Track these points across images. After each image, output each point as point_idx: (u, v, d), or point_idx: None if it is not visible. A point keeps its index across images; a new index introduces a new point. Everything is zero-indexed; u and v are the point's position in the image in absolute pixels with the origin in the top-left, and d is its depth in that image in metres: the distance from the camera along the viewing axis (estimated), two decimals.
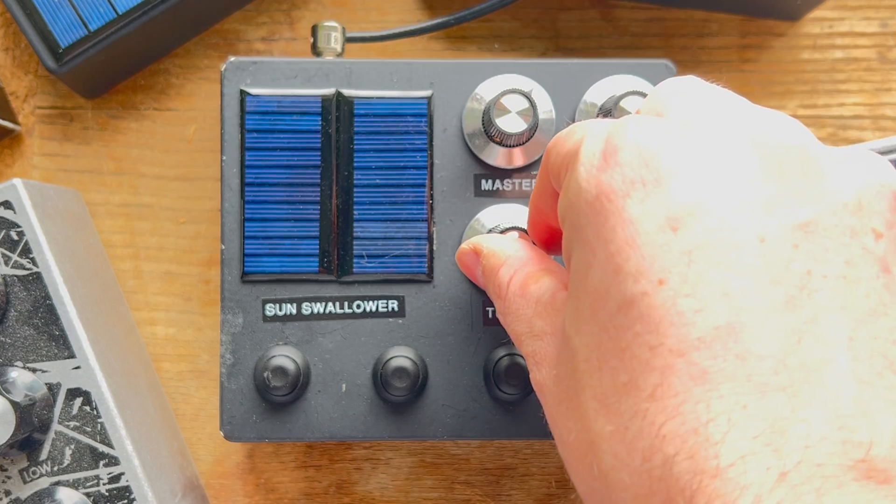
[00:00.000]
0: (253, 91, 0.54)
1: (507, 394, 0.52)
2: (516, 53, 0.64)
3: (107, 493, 0.53)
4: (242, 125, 0.53)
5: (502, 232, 0.51)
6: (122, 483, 0.53)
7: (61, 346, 0.53)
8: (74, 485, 0.53)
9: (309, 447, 0.62)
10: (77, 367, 0.53)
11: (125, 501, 0.53)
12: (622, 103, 0.52)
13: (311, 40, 0.57)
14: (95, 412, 0.53)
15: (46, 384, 0.53)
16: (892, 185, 0.34)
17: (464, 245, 0.48)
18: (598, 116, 0.54)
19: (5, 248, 0.53)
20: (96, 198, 0.63)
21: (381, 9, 0.64)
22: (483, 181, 0.54)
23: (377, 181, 0.54)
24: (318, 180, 0.53)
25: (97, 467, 0.53)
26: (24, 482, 0.53)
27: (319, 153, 0.53)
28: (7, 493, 0.53)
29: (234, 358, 0.53)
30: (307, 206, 0.53)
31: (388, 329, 0.54)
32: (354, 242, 0.53)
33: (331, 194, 0.53)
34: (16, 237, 0.53)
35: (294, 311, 0.54)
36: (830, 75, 0.63)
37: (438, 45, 0.64)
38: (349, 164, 0.53)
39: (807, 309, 0.31)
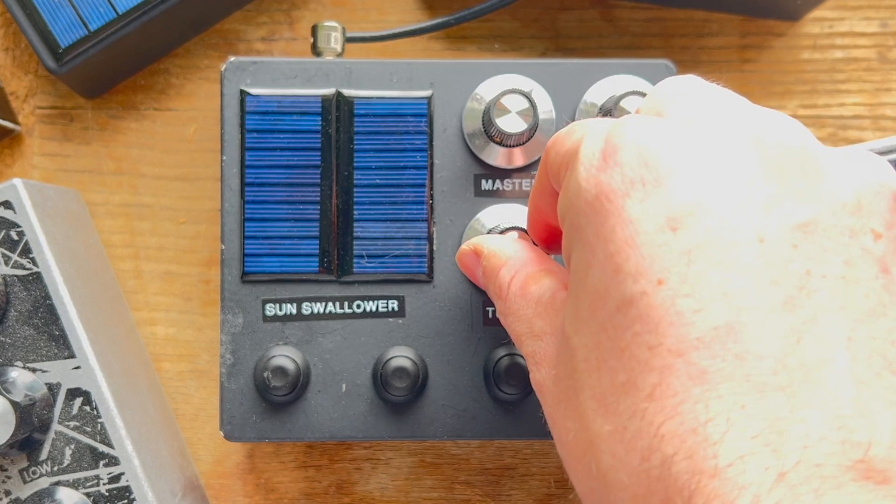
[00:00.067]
0: (253, 91, 0.54)
1: (507, 394, 0.52)
2: (516, 53, 0.64)
3: (107, 493, 0.53)
4: (242, 125, 0.53)
5: (502, 232, 0.51)
6: (122, 483, 0.53)
7: (61, 346, 0.53)
8: (74, 485, 0.53)
9: (309, 447, 0.62)
10: (77, 367, 0.53)
11: (125, 501, 0.53)
12: (622, 103, 0.51)
13: (311, 40, 0.57)
14: (95, 412, 0.53)
15: (46, 384, 0.53)
16: (892, 185, 0.34)
17: (464, 246, 0.48)
18: (598, 116, 0.54)
19: (5, 248, 0.53)
20: (96, 198, 0.63)
21: (381, 9, 0.64)
22: (483, 181, 0.54)
23: (377, 181, 0.54)
24: (318, 180, 0.53)
25: (97, 467, 0.53)
26: (24, 482, 0.53)
27: (319, 153, 0.53)
28: (7, 493, 0.53)
29: (234, 358, 0.53)
30: (307, 206, 0.53)
31: (388, 329, 0.54)
32: (354, 242, 0.53)
33: (331, 194, 0.53)
34: (16, 237, 0.53)
35: (294, 311, 0.54)
36: (830, 75, 0.63)
37: (438, 45, 0.64)
38: (349, 164, 0.53)
39: (806, 309, 0.31)
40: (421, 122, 0.54)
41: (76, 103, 0.63)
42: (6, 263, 0.53)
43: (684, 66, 0.62)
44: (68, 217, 0.58)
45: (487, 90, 0.54)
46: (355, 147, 0.53)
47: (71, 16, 0.58)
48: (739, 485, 0.28)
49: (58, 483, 0.53)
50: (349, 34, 0.58)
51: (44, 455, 0.53)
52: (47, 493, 0.52)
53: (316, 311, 0.54)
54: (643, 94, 0.51)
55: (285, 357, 0.52)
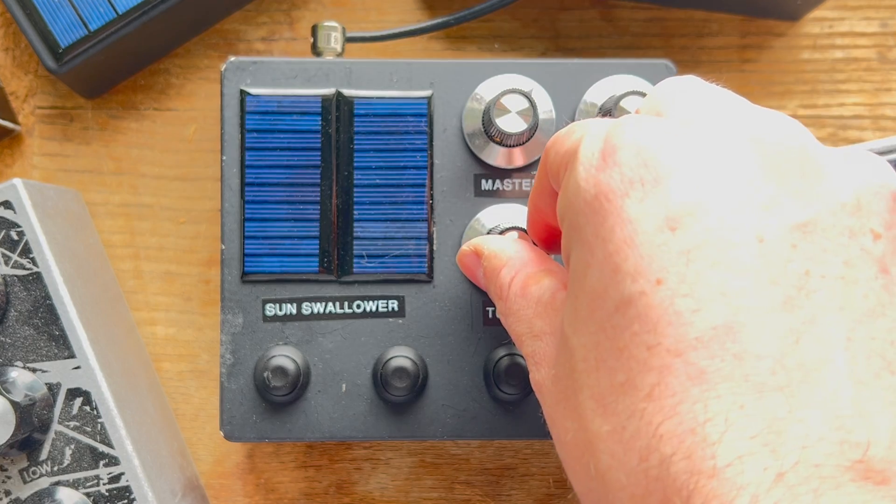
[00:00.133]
0: (253, 91, 0.54)
1: (507, 394, 0.52)
2: (516, 53, 0.64)
3: (107, 493, 0.53)
4: (242, 125, 0.53)
5: (502, 232, 0.51)
6: (122, 483, 0.53)
7: (61, 346, 0.53)
8: (74, 485, 0.53)
9: (309, 447, 0.62)
10: (77, 367, 0.53)
11: (125, 501, 0.53)
12: (622, 103, 0.52)
13: (311, 40, 0.57)
14: (95, 412, 0.53)
15: (46, 384, 0.53)
16: (891, 185, 0.34)
17: (464, 247, 0.48)
18: (598, 116, 0.54)
19: (5, 248, 0.53)
20: (96, 198, 0.63)
21: (381, 9, 0.64)
22: (483, 181, 0.54)
23: (377, 181, 0.54)
24: (318, 180, 0.53)
25: (97, 467, 0.53)
26: (24, 482, 0.53)
27: (319, 153, 0.53)
28: (7, 493, 0.53)
29: (234, 358, 0.53)
30: (307, 206, 0.53)
31: (388, 329, 0.54)
32: (354, 242, 0.53)
33: (331, 194, 0.53)
34: (16, 237, 0.53)
35: (294, 311, 0.54)
36: (830, 75, 0.63)
37: (438, 45, 0.64)
38: (349, 164, 0.53)
39: (805, 309, 0.31)
40: (421, 122, 0.54)
41: (76, 103, 0.63)
42: (6, 263, 0.53)
43: (684, 66, 0.62)
44: (68, 217, 0.58)
45: (487, 90, 0.54)
46: (355, 147, 0.53)
47: (71, 16, 0.58)
48: (738, 485, 0.28)
49: (58, 483, 0.53)
50: (349, 34, 0.58)
51: (44, 455, 0.53)
52: (47, 493, 0.52)
53: (316, 311, 0.54)
54: (643, 94, 0.51)
55: (285, 357, 0.52)
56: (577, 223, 0.35)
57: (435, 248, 0.54)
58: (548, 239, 0.46)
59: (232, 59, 0.54)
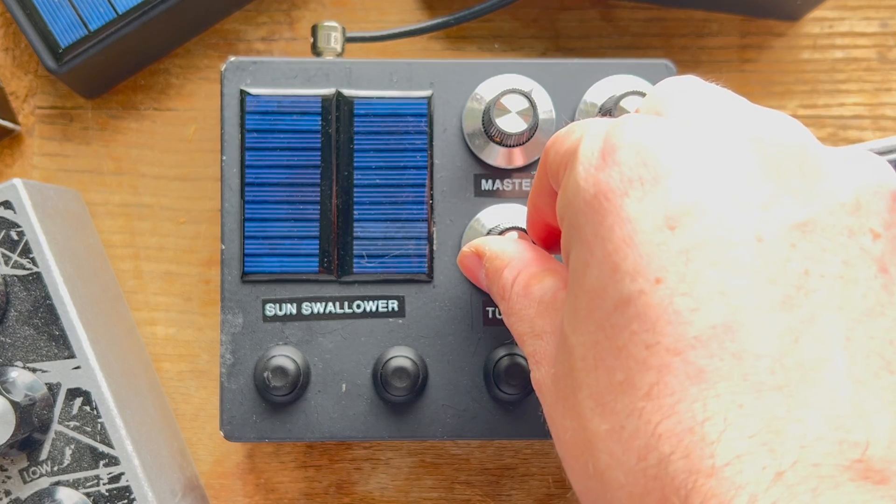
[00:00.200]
0: (253, 91, 0.54)
1: (507, 394, 0.52)
2: (516, 53, 0.64)
3: (107, 493, 0.53)
4: (242, 125, 0.53)
5: (501, 232, 0.51)
6: (122, 483, 0.53)
7: (61, 346, 0.53)
8: (74, 485, 0.53)
9: (309, 447, 0.62)
10: (77, 367, 0.53)
11: (125, 501, 0.53)
12: (622, 103, 0.52)
13: (311, 40, 0.57)
14: (95, 412, 0.53)
15: (46, 384, 0.53)
16: (891, 185, 0.34)
17: (465, 248, 0.48)
18: (598, 116, 0.54)
19: (5, 248, 0.53)
20: (96, 198, 0.63)
21: (381, 9, 0.64)
22: (483, 181, 0.54)
23: (377, 181, 0.54)
24: (318, 180, 0.53)
25: (97, 467, 0.53)
26: (24, 482, 0.53)
27: (319, 153, 0.53)
28: (7, 493, 0.53)
29: (234, 358, 0.53)
30: (307, 206, 0.53)
31: (388, 329, 0.54)
32: (354, 242, 0.53)
33: (331, 194, 0.53)
34: (16, 237, 0.53)
35: (294, 311, 0.54)
36: (830, 75, 0.63)
37: (438, 45, 0.64)
38: (349, 164, 0.53)
39: (804, 308, 0.31)
40: (421, 122, 0.54)
41: (76, 103, 0.63)
42: (6, 263, 0.53)
43: (684, 66, 0.62)
44: (68, 217, 0.58)
45: (487, 90, 0.54)
46: (355, 147, 0.53)
47: (71, 16, 0.58)
48: (736, 484, 0.28)
49: (58, 483, 0.53)
50: (349, 34, 0.58)
51: (44, 455, 0.53)
52: (47, 493, 0.52)
53: (316, 311, 0.54)
54: (643, 94, 0.51)
55: (285, 357, 0.52)
56: (576, 222, 0.35)
57: (435, 248, 0.54)
58: (547, 238, 0.46)
59: (232, 59, 0.54)
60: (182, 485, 0.58)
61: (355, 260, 0.53)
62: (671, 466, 0.29)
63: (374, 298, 0.54)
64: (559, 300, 0.40)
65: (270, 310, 0.53)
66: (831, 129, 0.63)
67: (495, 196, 0.54)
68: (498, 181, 0.54)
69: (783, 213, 0.32)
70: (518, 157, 0.54)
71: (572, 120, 0.54)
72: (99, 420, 0.53)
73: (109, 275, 0.61)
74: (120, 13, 0.58)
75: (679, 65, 0.59)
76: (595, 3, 0.64)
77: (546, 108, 0.54)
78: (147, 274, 0.62)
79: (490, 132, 0.53)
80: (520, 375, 0.52)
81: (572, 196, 0.36)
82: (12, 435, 0.50)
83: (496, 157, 0.54)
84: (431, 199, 0.54)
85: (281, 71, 0.54)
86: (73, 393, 0.53)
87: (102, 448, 0.53)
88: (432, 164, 0.54)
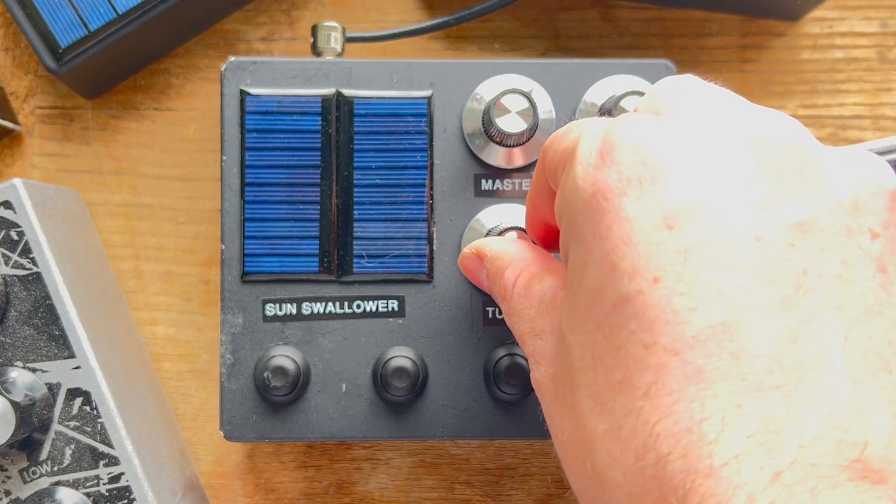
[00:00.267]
0: (253, 91, 0.54)
1: (507, 394, 0.52)
2: (516, 53, 0.64)
3: (107, 493, 0.53)
4: (242, 125, 0.53)
5: (501, 233, 0.51)
6: (122, 483, 0.53)
7: (61, 346, 0.53)
8: (74, 485, 0.53)
9: (309, 447, 0.62)
10: (77, 367, 0.53)
11: (125, 501, 0.53)
12: (622, 103, 0.52)
13: (311, 40, 0.57)
14: (95, 412, 0.53)
15: (46, 384, 0.53)
16: (889, 185, 0.34)
17: (466, 250, 0.48)
18: (598, 116, 0.54)
19: (5, 248, 0.53)
20: (96, 198, 0.63)
21: (381, 9, 0.64)
22: (483, 181, 0.54)
23: (377, 181, 0.54)
24: (318, 180, 0.53)
25: (97, 467, 0.53)
26: (24, 482, 0.53)
27: (319, 153, 0.53)
28: (7, 493, 0.53)
29: (234, 358, 0.53)
30: (307, 206, 0.53)
31: (388, 329, 0.54)
32: (354, 242, 0.53)
33: (331, 194, 0.53)
34: (16, 237, 0.53)
35: (294, 311, 0.54)
36: (830, 75, 0.63)
37: (438, 45, 0.64)
38: (349, 164, 0.53)
39: (802, 308, 0.31)
40: (421, 122, 0.54)
41: (76, 103, 0.63)
42: (6, 263, 0.53)
43: (684, 66, 0.62)
44: (68, 217, 0.58)
45: (487, 90, 0.54)
46: (355, 147, 0.53)
47: (71, 16, 0.58)
48: (734, 484, 0.28)
49: (58, 483, 0.53)
50: (349, 34, 0.58)
51: (44, 455, 0.53)
52: (47, 493, 0.52)
53: (316, 311, 0.54)
54: (643, 94, 0.51)
55: (285, 357, 0.52)
56: (574, 222, 0.35)
57: (435, 248, 0.54)
58: (546, 237, 0.46)
59: (232, 59, 0.54)
60: (182, 485, 0.58)
61: (355, 260, 0.53)
62: (669, 466, 0.29)
63: (374, 298, 0.54)
64: (559, 300, 0.40)
65: (270, 310, 0.54)
66: (831, 129, 0.63)
67: (495, 196, 0.54)
68: (498, 181, 0.54)
69: (782, 213, 0.32)
70: (518, 157, 0.54)
71: (572, 120, 0.54)
72: (99, 420, 0.53)
73: (109, 275, 0.61)
74: (120, 13, 0.58)
75: (679, 65, 0.59)
76: (595, 3, 0.64)
77: (546, 108, 0.54)
78: (147, 274, 0.62)
79: (490, 132, 0.53)
80: (520, 375, 0.52)
81: (570, 196, 0.35)
82: (12, 435, 0.50)
83: (496, 157, 0.54)
84: (431, 199, 0.54)
85: (281, 71, 0.54)
86: (73, 393, 0.53)
87: (102, 448, 0.53)
88: (432, 164, 0.54)
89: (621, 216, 0.33)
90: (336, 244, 0.53)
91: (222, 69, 0.54)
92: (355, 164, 0.53)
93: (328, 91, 0.54)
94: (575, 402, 0.34)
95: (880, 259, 0.32)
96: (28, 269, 0.53)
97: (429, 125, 0.54)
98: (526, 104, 0.51)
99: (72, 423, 0.53)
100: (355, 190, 0.53)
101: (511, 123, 0.51)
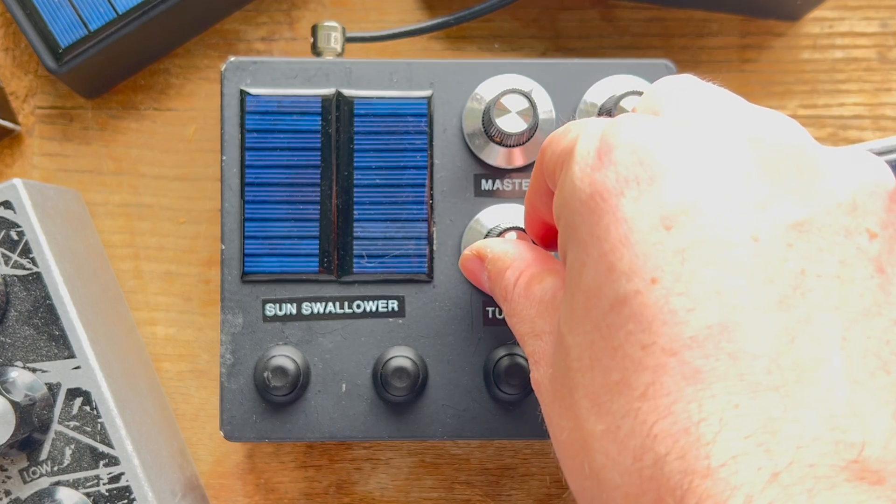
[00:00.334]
0: (253, 91, 0.54)
1: (507, 394, 0.52)
2: (516, 53, 0.64)
3: (107, 493, 0.53)
4: (242, 125, 0.53)
5: (501, 233, 0.51)
6: (122, 483, 0.53)
7: (61, 346, 0.53)
8: (74, 485, 0.53)
9: (309, 447, 0.62)
10: (77, 367, 0.53)
11: (125, 501, 0.53)
12: (622, 103, 0.52)
13: (311, 40, 0.57)
14: (95, 412, 0.53)
15: (46, 384, 0.53)
16: (887, 185, 0.34)
17: (466, 251, 0.48)
18: (598, 116, 0.54)
19: (5, 248, 0.53)
20: (96, 198, 0.63)
21: (381, 9, 0.64)
22: (483, 181, 0.54)
23: (377, 181, 0.54)
24: (318, 180, 0.53)
25: (97, 467, 0.53)
26: (24, 482, 0.53)
27: (319, 153, 0.53)
28: (7, 493, 0.53)
29: (234, 358, 0.53)
30: (307, 206, 0.53)
31: (388, 329, 0.54)
32: (354, 242, 0.53)
33: (331, 194, 0.53)
34: (16, 237, 0.53)
35: (294, 311, 0.54)
36: (830, 75, 0.63)
37: (438, 45, 0.64)
38: (349, 164, 0.53)
39: (800, 308, 0.31)
40: (421, 122, 0.54)
41: (76, 103, 0.63)
42: (6, 263, 0.53)
43: (684, 66, 0.62)
44: (68, 217, 0.58)
45: (487, 90, 0.54)
46: (355, 147, 0.53)
47: (71, 16, 0.58)
48: (732, 485, 0.28)
49: (58, 483, 0.53)
50: (349, 34, 0.58)
51: (44, 455, 0.53)
52: (47, 493, 0.52)
53: (316, 311, 0.54)
54: (643, 94, 0.51)
55: (285, 357, 0.52)
56: (572, 222, 0.35)
57: (435, 248, 0.54)
58: (545, 237, 0.46)
59: (232, 59, 0.54)
60: (182, 485, 0.58)
61: (355, 260, 0.53)
62: (667, 467, 0.29)
63: (374, 298, 0.54)
64: (558, 300, 0.40)
65: (270, 310, 0.54)
66: (831, 129, 0.63)
67: (495, 196, 0.54)
68: (498, 181, 0.54)
69: (780, 213, 0.32)
70: (518, 157, 0.54)
71: (572, 120, 0.54)
72: (99, 420, 0.53)
73: (109, 275, 0.62)
74: (120, 13, 0.58)
75: (679, 65, 0.59)
76: (595, 3, 0.64)
77: (546, 108, 0.54)
78: (147, 274, 0.63)
79: (490, 132, 0.53)
80: (520, 375, 0.52)
81: (568, 196, 0.35)
82: (12, 435, 0.50)
83: (496, 157, 0.54)
84: (431, 199, 0.54)
85: (281, 71, 0.54)
86: (73, 393, 0.53)
87: (102, 448, 0.53)
88: (432, 164, 0.54)
89: (619, 216, 0.33)
90: (336, 244, 0.53)
91: (222, 69, 0.54)
92: (355, 164, 0.53)
93: (328, 91, 0.54)
94: (573, 402, 0.34)
95: (878, 259, 0.32)
96: (28, 269, 0.53)
97: (429, 125, 0.54)
98: (526, 104, 0.51)
99: (72, 423, 0.53)
100: (355, 190, 0.53)
101: (511, 123, 0.51)
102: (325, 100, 0.54)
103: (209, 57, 0.64)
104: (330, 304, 0.54)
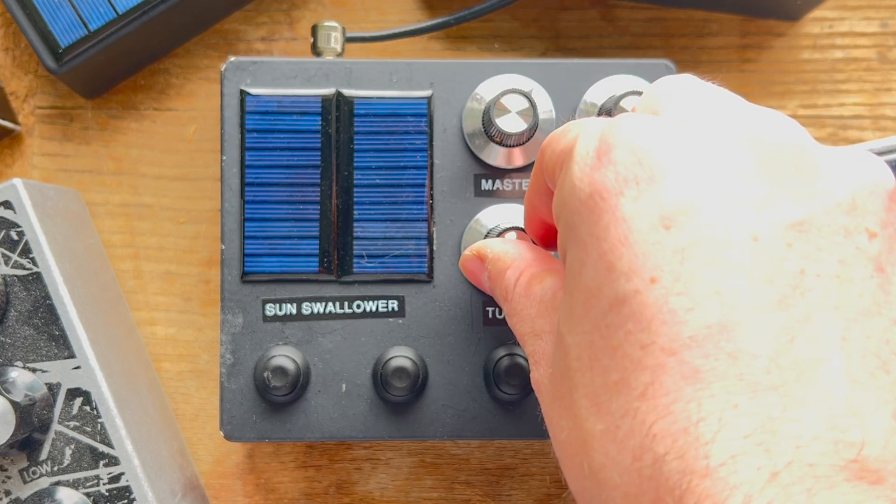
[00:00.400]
0: (253, 91, 0.54)
1: (507, 394, 0.52)
2: (516, 53, 0.64)
3: (107, 493, 0.53)
4: (242, 125, 0.53)
5: (501, 233, 0.51)
6: (122, 483, 0.53)
7: (61, 346, 0.53)
8: (74, 485, 0.53)
9: (309, 447, 0.62)
10: (77, 367, 0.53)
11: (125, 501, 0.53)
12: (622, 103, 0.52)
13: (311, 40, 0.57)
14: (95, 412, 0.53)
15: (46, 384, 0.53)
16: (887, 184, 0.34)
17: (466, 252, 0.48)
18: (598, 116, 0.54)
19: (5, 248, 0.53)
20: (96, 198, 0.63)
21: (381, 9, 0.64)
22: (483, 181, 0.54)
23: (377, 181, 0.54)
24: (318, 180, 0.53)
25: (97, 467, 0.53)
26: (24, 482, 0.53)
27: (319, 153, 0.53)
28: (7, 493, 0.53)
29: (234, 358, 0.53)
30: (307, 206, 0.53)
31: (388, 329, 0.54)
32: (354, 242, 0.53)
33: (331, 194, 0.53)
34: (16, 237, 0.54)
35: (294, 311, 0.54)
36: (830, 75, 0.63)
37: (438, 45, 0.64)
38: (349, 164, 0.53)
39: (800, 308, 0.31)
40: (421, 122, 0.54)
41: (76, 103, 0.63)
42: (6, 263, 0.53)
43: (684, 66, 0.62)
44: (68, 217, 0.58)
45: (487, 90, 0.54)
46: (355, 147, 0.53)
47: (71, 16, 0.58)
48: (731, 484, 0.28)
49: (58, 483, 0.53)
50: (349, 34, 0.58)
51: (44, 455, 0.53)
52: (47, 493, 0.52)
53: (316, 311, 0.54)
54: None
55: (285, 357, 0.52)
56: (572, 222, 0.35)
57: (435, 248, 0.54)
58: (545, 237, 0.46)
59: (232, 59, 0.54)
60: (182, 485, 0.58)
61: (355, 260, 0.53)
62: (666, 467, 0.29)
63: (374, 298, 0.54)
64: (558, 299, 0.40)
65: (270, 310, 0.54)
66: (831, 129, 0.63)
67: (495, 196, 0.54)
68: (498, 181, 0.54)
69: (779, 213, 0.32)
70: (518, 157, 0.54)
71: (572, 120, 0.54)
72: (99, 420, 0.53)
73: (109, 275, 0.62)
74: (120, 13, 0.58)
75: (679, 65, 0.59)
76: (595, 3, 0.64)
77: (546, 108, 0.54)
78: (147, 274, 0.63)
79: (490, 132, 0.53)
80: (520, 375, 0.52)
81: (568, 196, 0.35)
82: (12, 435, 0.50)
83: (496, 157, 0.54)
84: (431, 199, 0.54)
85: (281, 71, 0.54)
86: (73, 393, 0.53)
87: (102, 448, 0.53)
88: (432, 164, 0.54)
89: (618, 216, 0.33)
90: (336, 244, 0.53)
91: (222, 69, 0.54)
92: (355, 164, 0.53)
93: (328, 91, 0.54)
94: (572, 402, 0.34)
95: (878, 259, 0.32)
96: (28, 269, 0.53)
97: (429, 125, 0.54)
98: (526, 104, 0.51)
99: (72, 423, 0.53)
100: (355, 190, 0.53)
101: (511, 123, 0.51)
102: (325, 100, 0.54)
103: (209, 57, 0.64)
104: (330, 304, 0.54)
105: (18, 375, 0.52)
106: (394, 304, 0.54)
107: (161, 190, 0.63)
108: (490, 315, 0.54)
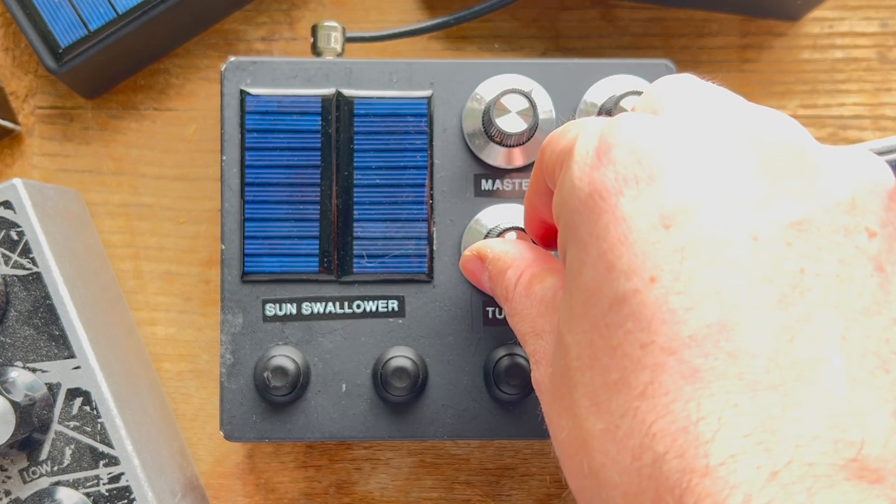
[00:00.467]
0: (253, 91, 0.54)
1: (507, 394, 0.52)
2: (516, 53, 0.64)
3: (107, 493, 0.53)
4: (242, 125, 0.53)
5: (501, 233, 0.51)
6: (122, 483, 0.53)
7: (61, 346, 0.53)
8: (74, 485, 0.53)
9: (309, 447, 0.62)
10: (77, 367, 0.53)
11: (125, 501, 0.53)
12: (622, 103, 0.52)
13: (311, 40, 0.57)
14: (95, 412, 0.53)
15: (46, 384, 0.53)
16: (887, 184, 0.34)
17: (467, 252, 0.48)
18: (598, 116, 0.54)
19: (5, 248, 0.53)
20: (96, 198, 0.63)
21: (381, 9, 0.64)
22: (483, 181, 0.54)
23: (377, 181, 0.54)
24: (318, 180, 0.53)
25: (97, 467, 0.53)
26: (24, 482, 0.53)
27: (319, 153, 0.53)
28: (7, 493, 0.53)
29: (234, 358, 0.53)
30: (307, 206, 0.53)
31: (388, 329, 0.54)
32: (354, 242, 0.53)
33: (331, 194, 0.53)
34: (16, 237, 0.54)
35: (294, 311, 0.54)
36: (830, 75, 0.63)
37: (438, 45, 0.64)
38: (349, 164, 0.53)
39: (799, 307, 0.31)
40: (421, 122, 0.54)
41: (76, 103, 0.63)
42: (6, 263, 0.53)
43: (684, 66, 0.62)
44: (68, 217, 0.58)
45: (487, 90, 0.54)
46: (355, 147, 0.53)
47: (71, 16, 0.58)
48: (731, 484, 0.28)
49: (58, 483, 0.53)
50: (349, 34, 0.58)
51: (44, 455, 0.53)
52: (47, 493, 0.52)
53: (316, 311, 0.54)
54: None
55: (285, 357, 0.52)
56: (572, 221, 0.35)
57: (435, 248, 0.54)
58: (545, 236, 0.46)
59: (232, 59, 0.54)
60: (182, 485, 0.58)
61: (355, 260, 0.53)
62: (665, 466, 0.29)
63: (374, 298, 0.54)
64: (558, 299, 0.40)
65: (270, 310, 0.54)
66: (831, 129, 0.63)
67: (495, 196, 0.54)
68: (498, 181, 0.54)
69: (779, 212, 0.32)
70: (518, 157, 0.54)
71: (571, 120, 0.54)
72: (99, 420, 0.53)
73: (109, 275, 0.62)
74: (120, 13, 0.58)
75: (679, 65, 0.59)
76: (595, 3, 0.64)
77: (546, 108, 0.54)
78: (147, 274, 0.63)
79: (490, 132, 0.53)
80: (520, 375, 0.52)
81: (568, 195, 0.35)
82: (12, 435, 0.50)
83: (496, 157, 0.54)
84: (431, 199, 0.54)
85: (281, 71, 0.54)
86: (73, 393, 0.53)
87: (102, 448, 0.53)
88: (432, 164, 0.54)
89: (618, 215, 0.33)
90: (336, 244, 0.53)
91: (222, 69, 0.54)
92: (355, 164, 0.53)
93: (328, 91, 0.54)
94: (572, 401, 0.34)
95: (878, 258, 0.32)
96: (28, 269, 0.53)
97: (429, 125, 0.54)
98: (526, 104, 0.51)
99: (72, 423, 0.53)
100: (355, 190, 0.53)
101: (511, 123, 0.51)
102: (325, 100, 0.54)
103: (209, 57, 0.64)
104: (330, 304, 0.54)
105: (18, 375, 0.52)
106: (394, 304, 0.54)
107: (161, 190, 0.63)
108: (490, 315, 0.54)
